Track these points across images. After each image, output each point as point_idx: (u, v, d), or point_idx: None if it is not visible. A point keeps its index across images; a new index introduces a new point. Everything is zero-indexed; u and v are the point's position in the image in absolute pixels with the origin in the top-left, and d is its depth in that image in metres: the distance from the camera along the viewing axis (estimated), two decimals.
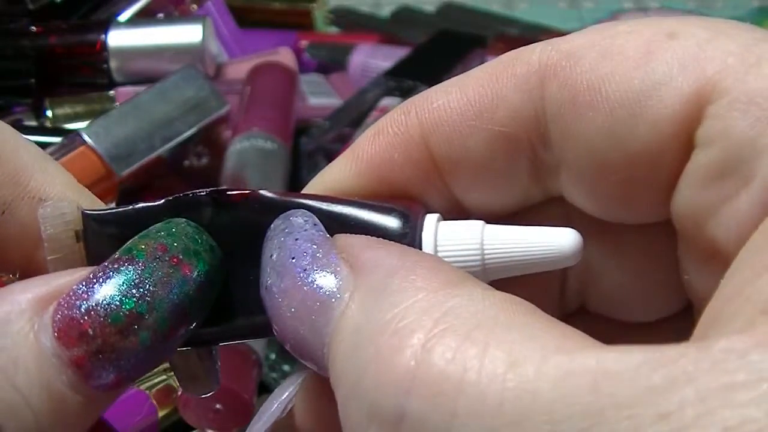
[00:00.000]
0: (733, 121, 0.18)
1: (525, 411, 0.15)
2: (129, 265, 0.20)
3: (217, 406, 0.42)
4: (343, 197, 0.22)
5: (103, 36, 0.61)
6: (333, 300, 0.19)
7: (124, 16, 0.68)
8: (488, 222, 0.21)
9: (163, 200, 0.22)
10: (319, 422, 0.23)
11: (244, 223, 0.21)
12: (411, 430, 0.16)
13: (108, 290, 0.20)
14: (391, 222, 0.21)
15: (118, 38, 0.61)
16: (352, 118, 0.60)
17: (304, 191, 0.23)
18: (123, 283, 0.20)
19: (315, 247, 0.20)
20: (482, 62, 0.85)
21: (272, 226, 0.21)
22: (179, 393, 0.43)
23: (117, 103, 0.59)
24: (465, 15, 0.84)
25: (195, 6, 0.72)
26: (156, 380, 0.43)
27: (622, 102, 0.19)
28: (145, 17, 0.68)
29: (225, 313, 0.22)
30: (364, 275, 0.19)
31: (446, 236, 0.21)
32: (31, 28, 0.63)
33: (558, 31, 0.80)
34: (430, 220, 0.22)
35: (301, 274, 0.19)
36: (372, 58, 0.70)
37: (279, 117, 0.59)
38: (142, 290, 0.20)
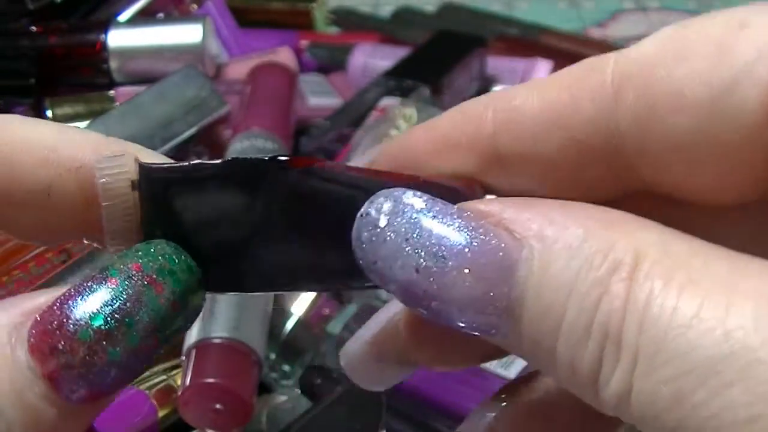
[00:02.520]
0: None
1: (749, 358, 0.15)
2: (103, 283, 0.21)
3: (217, 406, 0.42)
4: (410, 174, 0.22)
5: (103, 36, 0.61)
6: (508, 263, 0.19)
7: (124, 16, 0.68)
8: None
9: (220, 161, 0.21)
10: (424, 337, 0.23)
11: (301, 191, 0.21)
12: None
13: (80, 307, 0.20)
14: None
15: (118, 38, 0.61)
16: (353, 118, 0.60)
17: (381, 149, 0.24)
18: (95, 300, 0.20)
19: (460, 220, 0.20)
20: (482, 62, 0.83)
21: (376, 207, 0.20)
22: (179, 393, 0.43)
23: (117, 103, 0.59)
24: (465, 15, 0.84)
25: (195, 6, 0.72)
26: (156, 380, 0.43)
27: (704, 102, 0.19)
28: (145, 17, 0.68)
29: (270, 277, 0.22)
30: (531, 234, 0.19)
31: None
32: (31, 28, 0.63)
33: (558, 32, 0.81)
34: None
35: (465, 250, 0.19)
36: (372, 58, 0.70)
37: (279, 117, 0.59)
38: (112, 308, 0.20)
